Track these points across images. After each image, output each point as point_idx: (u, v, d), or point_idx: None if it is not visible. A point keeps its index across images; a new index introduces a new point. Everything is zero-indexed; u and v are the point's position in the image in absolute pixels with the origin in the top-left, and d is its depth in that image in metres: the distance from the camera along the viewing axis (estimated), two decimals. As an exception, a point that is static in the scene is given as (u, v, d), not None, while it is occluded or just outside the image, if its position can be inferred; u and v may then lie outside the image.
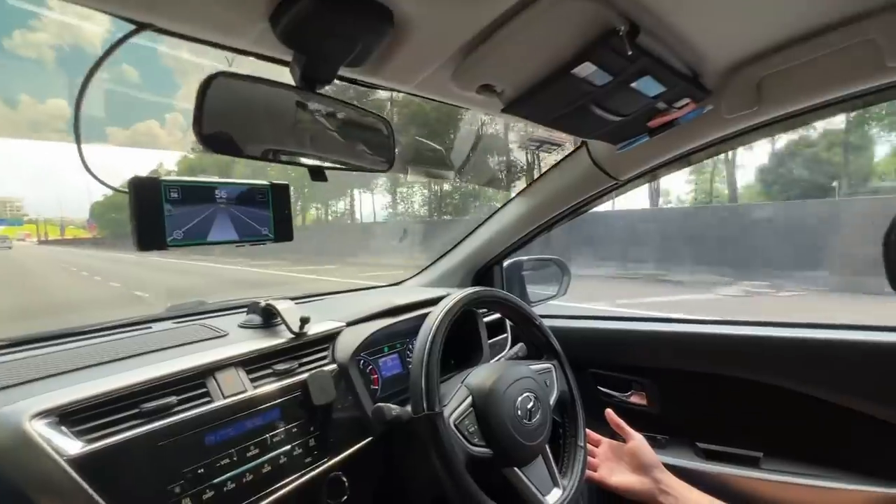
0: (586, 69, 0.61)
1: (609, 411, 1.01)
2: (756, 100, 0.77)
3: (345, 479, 0.81)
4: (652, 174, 1.07)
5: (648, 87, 0.68)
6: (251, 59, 0.58)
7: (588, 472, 0.96)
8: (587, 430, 1.00)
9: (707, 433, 1.11)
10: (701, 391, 1.12)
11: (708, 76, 0.76)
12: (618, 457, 0.97)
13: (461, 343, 1.14)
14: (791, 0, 0.61)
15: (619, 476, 0.93)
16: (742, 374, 1.05)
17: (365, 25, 0.49)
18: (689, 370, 1.13)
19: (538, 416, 0.86)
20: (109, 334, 0.84)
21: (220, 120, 0.47)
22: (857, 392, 0.93)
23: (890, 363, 0.89)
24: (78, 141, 0.50)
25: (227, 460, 0.65)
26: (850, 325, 0.98)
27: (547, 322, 1.07)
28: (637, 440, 0.94)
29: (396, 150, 0.70)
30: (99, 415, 0.58)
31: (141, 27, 0.46)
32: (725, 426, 1.10)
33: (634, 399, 1.22)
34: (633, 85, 0.67)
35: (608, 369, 1.26)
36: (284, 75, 0.57)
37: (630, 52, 0.57)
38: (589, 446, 1.00)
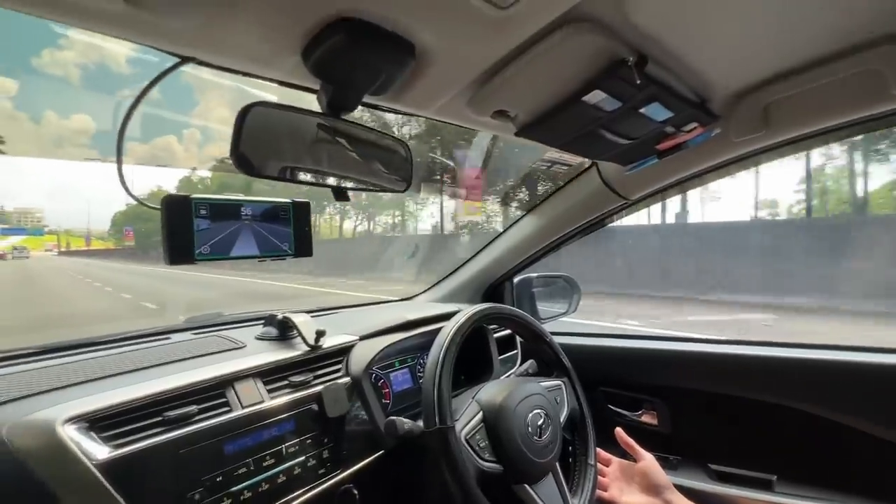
0: (596, 96, 0.64)
1: (619, 431, 1.00)
2: (763, 124, 0.79)
3: (356, 491, 0.82)
4: (662, 194, 1.09)
5: (657, 112, 0.70)
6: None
7: (598, 492, 0.95)
8: (598, 449, 1.00)
9: (719, 454, 1.10)
10: (713, 412, 1.11)
11: (715, 102, 0.78)
12: (628, 476, 0.96)
13: (472, 359, 1.16)
14: (795, 30, 0.63)
15: (629, 496, 0.93)
16: (756, 395, 1.04)
17: (389, 58, 0.52)
18: (702, 390, 1.12)
19: (548, 434, 0.87)
20: (131, 344, 0.87)
21: (255, 145, 0.51)
22: (874, 415, 0.92)
23: None
24: (119, 164, 0.54)
25: (244, 469, 0.67)
26: (867, 347, 0.97)
27: (557, 339, 1.08)
28: (648, 460, 0.93)
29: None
30: (125, 421, 0.60)
31: (184, 60, 0.50)
32: (738, 448, 1.09)
33: (645, 418, 1.21)
34: (642, 110, 0.69)
35: (619, 388, 1.26)
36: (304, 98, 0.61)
37: (639, 81, 0.60)
38: (599, 465, 0.99)
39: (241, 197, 0.71)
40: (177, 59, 0.50)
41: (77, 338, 0.88)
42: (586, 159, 1.05)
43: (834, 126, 0.78)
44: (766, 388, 1.03)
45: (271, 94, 0.63)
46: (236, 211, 0.70)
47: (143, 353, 0.79)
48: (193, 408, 0.66)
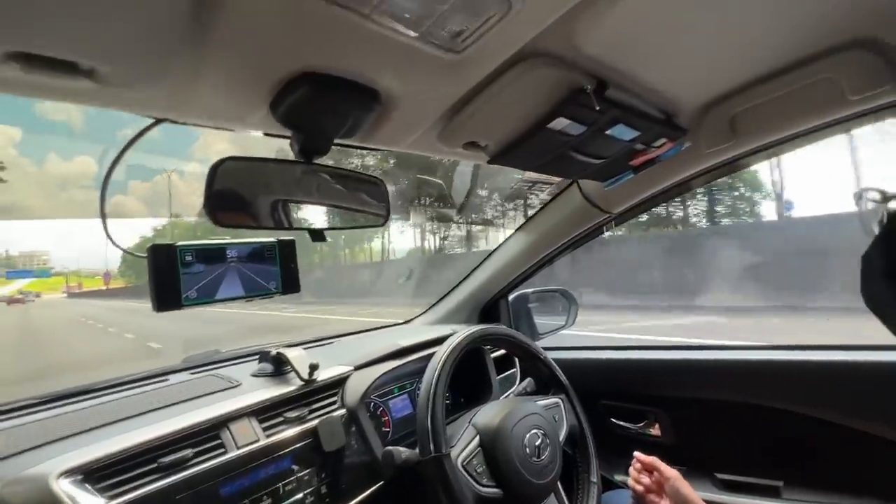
0: (560, 123, 0.66)
1: (637, 453, 0.97)
2: (731, 135, 0.82)
3: None
4: (643, 206, 1.10)
5: (623, 132, 0.72)
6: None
7: (634, 489, 0.93)
8: (637, 454, 0.96)
9: (725, 463, 1.09)
10: (716, 419, 1.11)
11: (682, 116, 0.80)
12: (662, 490, 0.94)
13: (470, 380, 1.16)
14: (752, 44, 0.66)
15: None
16: (758, 401, 1.04)
17: (355, 105, 0.55)
18: (704, 398, 1.12)
19: (547, 453, 0.86)
20: (129, 388, 0.88)
21: (229, 198, 0.53)
22: (880, 416, 0.91)
23: None
24: (103, 217, 0.56)
25: None
26: (870, 346, 0.96)
27: (556, 354, 1.08)
28: (673, 480, 0.89)
29: (396, 195, 0.76)
30: (120, 471, 0.61)
31: (158, 121, 0.52)
32: (743, 455, 1.07)
33: (648, 430, 1.20)
34: (608, 132, 0.72)
35: (620, 400, 1.25)
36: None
37: (598, 108, 0.62)
38: (634, 474, 0.95)
39: (227, 240, 0.73)
40: (151, 120, 0.52)
41: (78, 384, 0.89)
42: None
43: (799, 132, 0.81)
44: (768, 393, 1.03)
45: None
46: (221, 254, 0.72)
47: (139, 399, 0.80)
48: (188, 451, 0.66)
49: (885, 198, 0.41)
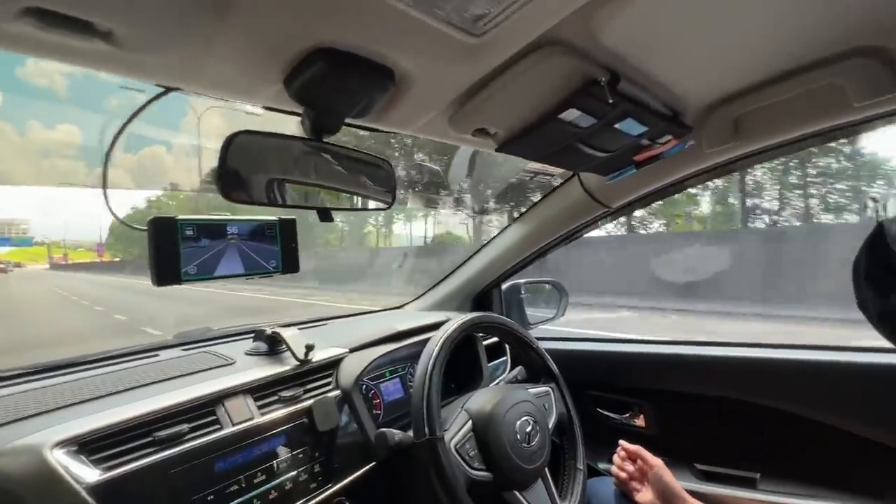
0: (572, 114, 0.66)
1: (622, 442, 1.02)
2: (734, 135, 0.83)
3: (348, 503, 0.83)
4: (641, 202, 1.12)
5: (631, 127, 0.73)
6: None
7: (618, 476, 0.98)
8: (622, 443, 1.01)
9: (705, 454, 1.13)
10: (698, 412, 1.14)
11: (688, 114, 0.81)
12: (644, 478, 0.97)
13: (462, 367, 1.17)
14: (761, 46, 0.66)
15: (644, 497, 0.94)
16: (738, 396, 1.07)
17: (369, 83, 0.54)
18: (687, 392, 1.15)
19: (537, 440, 0.88)
20: (120, 362, 0.87)
21: (240, 172, 0.52)
22: (851, 413, 0.95)
23: (882, 384, 0.92)
24: (104, 188, 0.55)
25: (235, 487, 0.68)
26: (846, 346, 1.00)
27: (546, 344, 1.10)
28: (657, 469, 0.94)
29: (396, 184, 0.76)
30: (115, 443, 0.60)
31: (168, 90, 0.51)
32: (723, 447, 1.11)
33: (633, 421, 1.24)
34: (617, 126, 0.72)
35: (606, 391, 1.28)
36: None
37: (611, 100, 0.62)
38: (618, 461, 1.01)
39: (227, 216, 0.72)
40: (161, 89, 0.51)
41: (66, 357, 0.88)
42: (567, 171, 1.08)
43: (800, 136, 0.82)
44: (748, 389, 1.06)
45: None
46: (222, 230, 0.71)
47: (132, 372, 0.79)
48: (184, 427, 0.66)
49: (875, 207, 0.43)
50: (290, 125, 0.66)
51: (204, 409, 0.70)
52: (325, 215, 0.61)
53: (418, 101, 0.63)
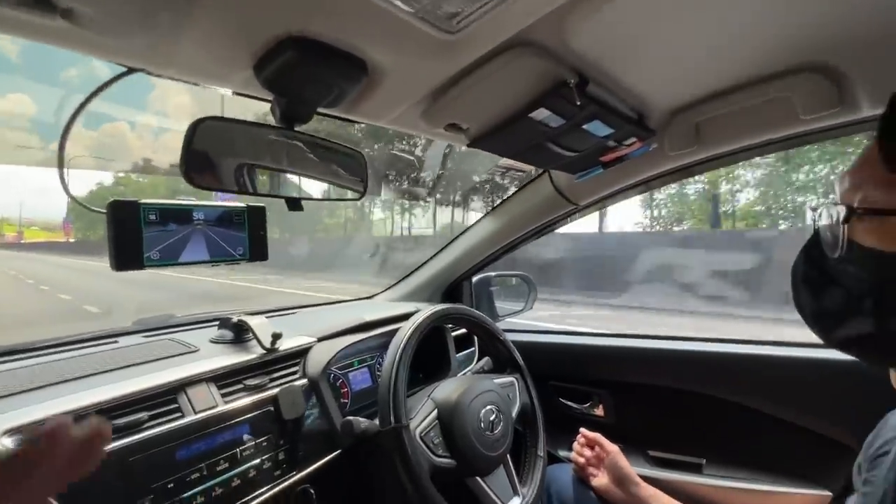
0: (542, 114, 0.68)
1: (583, 429, 1.07)
2: (694, 140, 0.87)
3: (313, 490, 0.83)
4: (607, 201, 1.16)
5: (598, 129, 0.75)
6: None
7: (576, 462, 1.03)
8: (583, 430, 1.07)
9: (657, 441, 1.19)
10: (652, 402, 1.20)
11: (652, 118, 0.84)
12: (601, 463, 1.02)
13: (430, 357, 1.19)
14: (720, 57, 0.70)
15: (599, 481, 0.99)
16: (688, 387, 1.14)
17: (341, 74, 0.54)
18: (643, 383, 1.21)
19: (500, 428, 0.91)
20: (76, 348, 0.85)
21: (206, 159, 0.51)
22: (787, 403, 1.03)
23: (814, 377, 0.99)
24: (60, 167, 0.53)
25: (196, 475, 0.67)
26: (785, 342, 1.08)
27: (512, 337, 1.13)
28: (613, 455, 0.99)
29: (369, 173, 0.76)
30: None
31: (132, 70, 0.49)
32: (673, 435, 1.18)
33: (592, 410, 1.29)
34: (585, 127, 0.74)
35: (568, 382, 1.33)
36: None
37: (579, 102, 0.64)
38: (577, 448, 1.06)
39: (193, 201, 0.71)
40: (124, 68, 0.49)
41: (16, 342, 0.84)
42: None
43: (755, 144, 0.87)
44: (696, 381, 1.13)
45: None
46: (187, 215, 0.69)
47: (89, 359, 0.77)
48: (143, 415, 0.65)
49: (813, 216, 0.46)
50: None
51: (165, 397, 0.69)
52: (294, 205, 0.61)
53: (391, 94, 0.63)
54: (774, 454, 1.05)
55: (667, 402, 1.18)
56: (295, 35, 0.47)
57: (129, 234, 0.62)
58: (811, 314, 0.46)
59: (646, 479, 0.97)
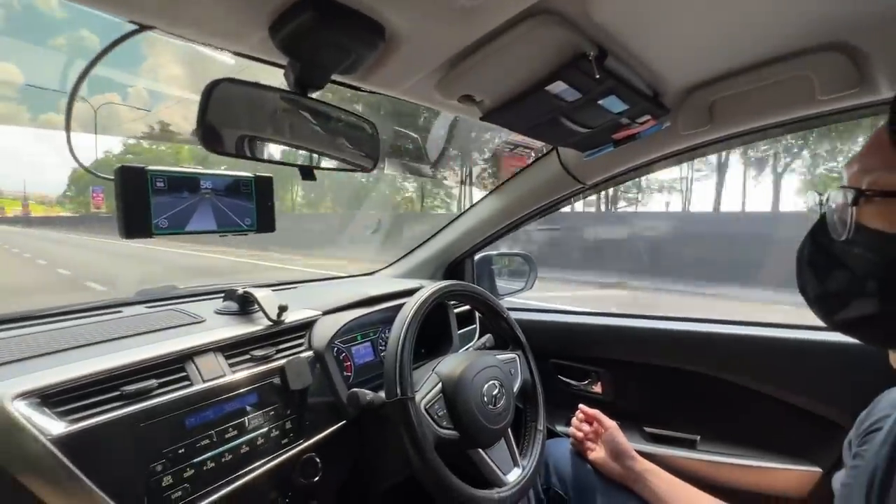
0: (558, 87, 0.67)
1: (581, 406, 1.09)
2: (708, 119, 0.86)
3: (318, 459, 0.85)
4: (615, 180, 1.15)
5: (613, 104, 0.74)
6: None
7: (574, 436, 1.06)
8: (582, 406, 1.09)
9: (653, 418, 1.22)
10: (649, 380, 1.23)
11: (667, 96, 0.83)
12: (598, 438, 1.05)
13: (433, 333, 1.20)
14: (740, 34, 0.68)
15: (597, 455, 1.02)
16: (683, 366, 1.16)
17: (359, 39, 0.52)
18: (640, 361, 1.23)
19: (502, 402, 0.93)
20: (80, 317, 0.84)
21: (222, 122, 0.49)
22: (781, 382, 1.05)
23: (808, 357, 1.01)
24: (68, 132, 0.51)
25: (206, 441, 0.68)
26: (777, 324, 1.10)
27: (513, 315, 1.14)
28: (611, 430, 1.02)
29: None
30: (80, 396, 0.59)
31: (143, 28, 0.47)
32: (668, 412, 1.21)
33: (591, 387, 1.32)
34: (600, 102, 0.73)
35: (568, 360, 1.35)
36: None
37: (598, 76, 0.63)
38: (576, 423, 1.09)
39: (201, 170, 0.69)
40: (134, 26, 0.47)
41: (22, 309, 0.84)
42: (547, 144, 1.09)
43: (770, 124, 0.86)
44: (691, 359, 1.15)
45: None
46: (195, 184, 0.68)
47: (94, 328, 0.77)
48: (153, 382, 0.65)
49: (820, 200, 0.46)
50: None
51: (173, 366, 0.70)
52: (307, 174, 0.60)
53: (407, 62, 0.61)
54: (767, 431, 1.08)
55: (663, 380, 1.20)
56: None
57: (138, 201, 0.61)
58: (814, 297, 0.47)
59: (641, 454, 0.99)
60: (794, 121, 0.83)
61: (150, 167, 0.62)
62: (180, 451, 0.65)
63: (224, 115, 0.49)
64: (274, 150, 0.56)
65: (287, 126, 0.57)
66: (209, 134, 0.48)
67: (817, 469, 1.00)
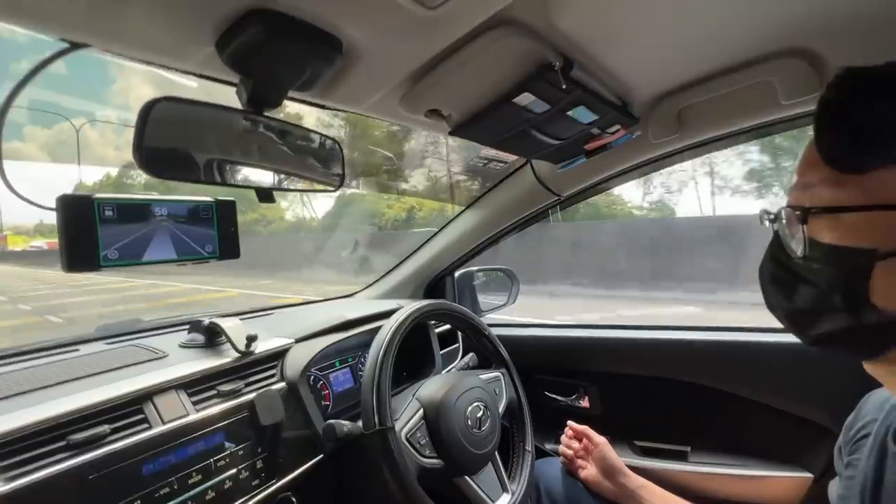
0: (526, 98, 0.66)
1: (570, 422, 1.06)
2: (677, 127, 0.86)
3: (294, 499, 0.79)
4: (590, 191, 1.14)
5: (582, 115, 0.74)
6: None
7: (564, 455, 1.03)
8: (570, 423, 1.06)
9: (642, 431, 1.19)
10: (636, 392, 1.21)
11: (635, 106, 0.83)
12: (589, 455, 1.01)
13: (414, 354, 1.16)
14: (704, 42, 0.69)
15: (588, 473, 0.99)
16: (671, 375, 1.14)
17: (314, 53, 0.50)
18: (626, 373, 1.21)
19: (487, 425, 0.89)
20: (32, 358, 0.78)
21: (164, 144, 0.46)
22: (767, 388, 1.04)
23: (794, 362, 1.01)
24: (-1, 159, 0.47)
25: (166, 489, 0.63)
26: (764, 328, 1.09)
27: (495, 331, 1.11)
28: (601, 447, 0.99)
29: (346, 168, 0.72)
30: (21, 450, 0.54)
31: (75, 46, 0.44)
32: (658, 423, 1.18)
33: (578, 402, 1.29)
34: (569, 113, 0.72)
35: (553, 375, 1.32)
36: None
37: (564, 86, 0.62)
38: (566, 440, 1.05)
39: (155, 196, 0.65)
40: (65, 44, 0.44)
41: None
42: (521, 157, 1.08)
43: (738, 130, 0.87)
44: (678, 369, 1.14)
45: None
46: (149, 211, 0.64)
47: (46, 369, 0.71)
48: (105, 428, 0.60)
49: (770, 218, 0.46)
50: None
51: (129, 408, 0.64)
52: (264, 196, 0.57)
53: (368, 77, 0.59)
54: (756, 439, 1.07)
55: (651, 391, 1.18)
56: (261, 7, 0.43)
57: (83, 231, 0.56)
58: (784, 314, 0.47)
59: (633, 468, 0.97)
60: (759, 126, 0.85)
61: (98, 195, 0.58)
62: None
63: (166, 137, 0.46)
64: (228, 173, 0.52)
65: (242, 146, 0.53)
66: (149, 158, 0.44)
67: (808, 475, 0.98)
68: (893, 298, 0.37)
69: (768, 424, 1.05)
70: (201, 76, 0.53)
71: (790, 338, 1.02)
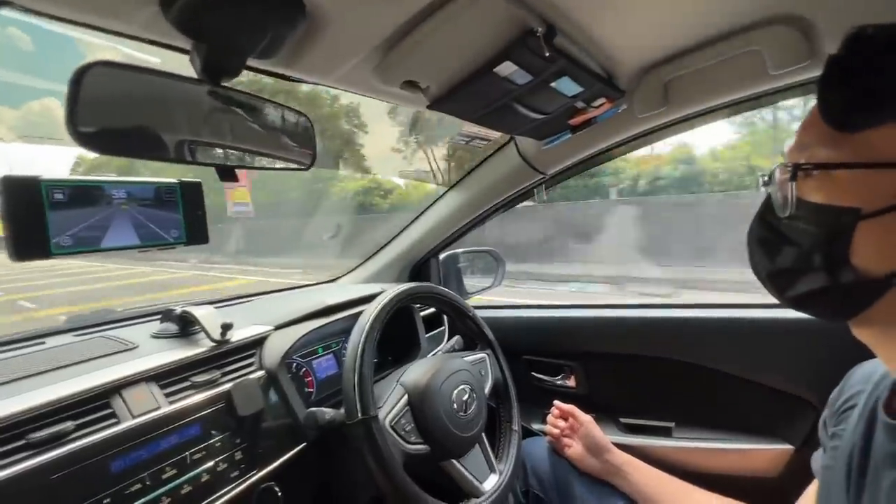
0: (508, 68, 0.62)
1: (556, 402, 1.07)
2: (664, 100, 0.83)
3: (277, 488, 0.78)
4: (576, 168, 1.12)
5: (567, 86, 0.70)
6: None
7: (551, 434, 1.03)
8: (557, 402, 1.06)
9: (627, 408, 1.20)
10: (621, 370, 1.21)
11: (621, 77, 0.80)
12: (575, 433, 1.02)
13: (399, 339, 1.14)
14: (691, 10, 0.66)
15: (574, 451, 1.00)
16: (654, 353, 1.15)
17: (273, 16, 0.45)
18: (612, 352, 1.21)
19: (474, 407, 0.88)
20: None
21: (103, 115, 0.41)
22: (753, 364, 1.05)
23: (771, 335, 1.02)
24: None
25: (138, 486, 0.60)
26: (745, 304, 1.10)
27: (482, 313, 1.10)
28: (586, 425, 0.99)
29: (321, 145, 0.68)
30: None
31: (-3, 4, 0.39)
32: (642, 401, 1.19)
33: (565, 382, 1.29)
34: (553, 84, 0.69)
35: (540, 355, 1.32)
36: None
37: (548, 54, 0.58)
38: (552, 420, 1.06)
39: (113, 177, 0.61)
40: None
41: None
42: (504, 135, 1.05)
43: (726, 103, 0.85)
44: (662, 346, 1.14)
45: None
46: (105, 195, 0.59)
47: (8, 363, 0.67)
48: (68, 424, 0.57)
49: (765, 180, 0.46)
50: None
51: (95, 403, 0.61)
52: (226, 174, 0.53)
53: (336, 44, 0.55)
54: (738, 413, 1.08)
55: (635, 369, 1.18)
56: None
57: (31, 217, 0.52)
58: (766, 275, 0.47)
59: (619, 445, 0.97)
60: (747, 98, 0.82)
61: (45, 177, 0.53)
62: (105, 502, 0.56)
63: (102, 108, 0.41)
64: (180, 149, 0.48)
65: (198, 120, 0.49)
66: (84, 131, 0.40)
67: (788, 446, 1.00)
68: (872, 259, 0.38)
69: (749, 399, 1.06)
70: (149, 42, 0.48)
71: (769, 313, 1.03)
